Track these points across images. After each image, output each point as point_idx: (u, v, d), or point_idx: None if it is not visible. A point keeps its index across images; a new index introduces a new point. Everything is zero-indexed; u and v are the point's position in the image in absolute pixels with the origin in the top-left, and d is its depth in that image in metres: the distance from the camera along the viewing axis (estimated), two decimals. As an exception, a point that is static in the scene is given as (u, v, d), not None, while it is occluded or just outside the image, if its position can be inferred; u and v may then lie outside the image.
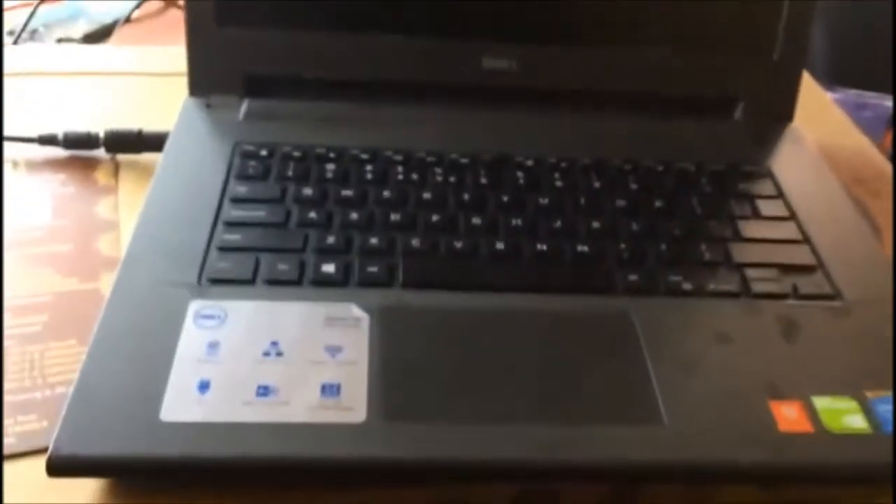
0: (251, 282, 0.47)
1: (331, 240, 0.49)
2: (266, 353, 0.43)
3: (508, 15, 0.61)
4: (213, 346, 0.43)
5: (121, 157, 0.59)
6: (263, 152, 0.56)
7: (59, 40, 0.79)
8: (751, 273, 0.50)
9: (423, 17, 0.60)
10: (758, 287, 0.49)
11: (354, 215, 0.51)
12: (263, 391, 0.41)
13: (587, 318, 0.46)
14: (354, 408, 0.40)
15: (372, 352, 0.43)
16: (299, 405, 0.40)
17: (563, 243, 0.50)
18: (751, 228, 0.53)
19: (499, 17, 0.61)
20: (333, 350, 0.43)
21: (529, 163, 0.57)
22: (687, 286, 0.48)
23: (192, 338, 0.43)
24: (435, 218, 0.51)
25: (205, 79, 0.60)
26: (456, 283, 0.47)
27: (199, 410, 0.40)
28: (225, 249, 0.48)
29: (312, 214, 0.51)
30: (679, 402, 0.42)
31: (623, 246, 0.51)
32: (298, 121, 0.59)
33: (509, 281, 0.48)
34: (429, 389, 0.42)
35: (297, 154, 0.56)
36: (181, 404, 0.40)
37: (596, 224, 0.52)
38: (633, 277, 0.49)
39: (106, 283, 0.48)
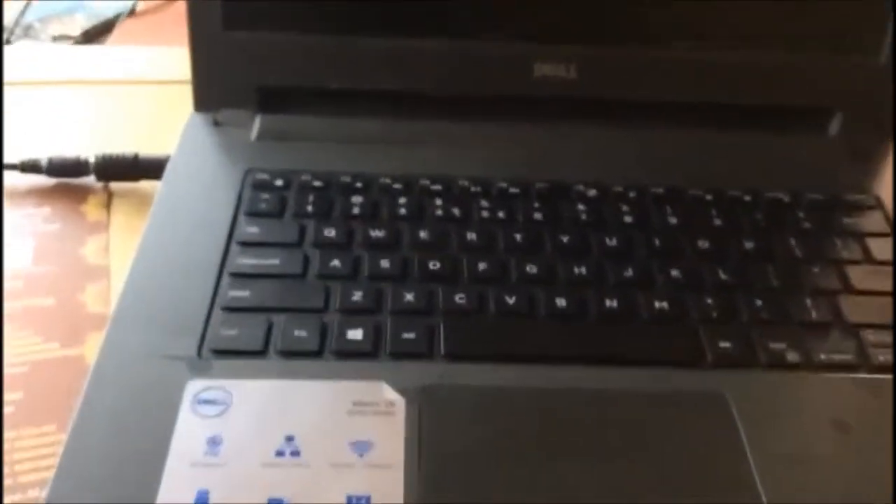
0: (262, 353, 0.38)
1: (357, 296, 0.41)
2: (279, 453, 0.35)
3: (564, 13, 0.51)
4: (215, 442, 0.35)
5: (115, 183, 0.51)
6: (279, 182, 0.47)
7: (56, 38, 0.71)
8: (869, 337, 0.41)
9: (465, 18, 0.51)
10: (880, 356, 0.40)
11: (385, 263, 0.43)
12: (275, 506, 0.33)
13: (671, 399, 0.38)
14: (387, 524, 0.32)
15: (409, 449, 0.35)
16: (320, 528, 0.32)
17: (637, 298, 0.42)
18: (864, 277, 0.44)
19: (552, 15, 0.52)
20: (362, 447, 0.35)
21: (591, 192, 0.48)
22: (792, 356, 0.40)
23: (189, 430, 0.35)
24: (482, 266, 0.43)
25: (212, 91, 0.51)
26: (509, 354, 0.39)
27: (196, 533, 0.32)
28: (231, 310, 0.40)
29: (336, 262, 0.43)
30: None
31: (710, 301, 0.42)
32: (320, 141, 0.50)
33: (573, 350, 0.39)
34: (484, 500, 0.33)
35: (317, 184, 0.47)
36: (173, 527, 0.32)
37: (675, 272, 0.43)
38: (724, 345, 0.40)
39: (92, 348, 0.41)
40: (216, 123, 0.51)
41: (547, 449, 0.35)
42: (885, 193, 0.50)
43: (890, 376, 0.39)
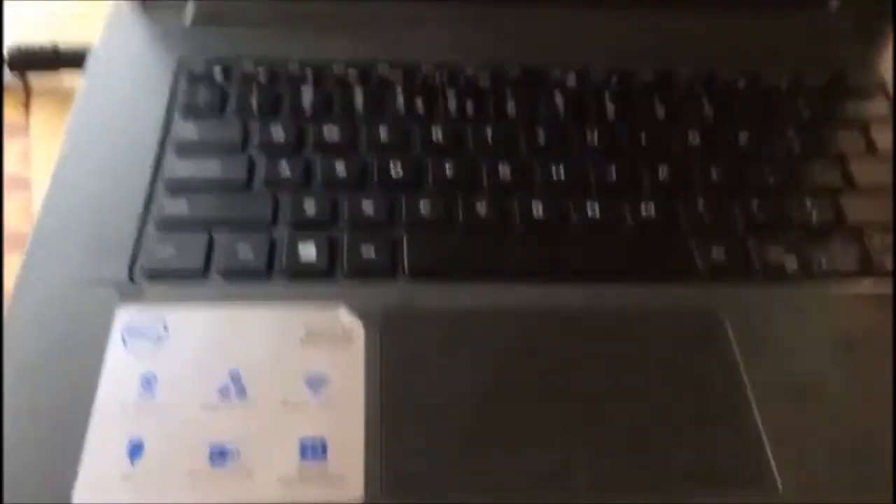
0: (202, 275, 0.34)
1: (310, 207, 0.36)
2: (223, 393, 0.31)
3: None
4: (148, 381, 0.31)
5: (35, 79, 0.45)
6: (217, 73, 0.42)
7: None
8: (874, 239, 0.37)
9: None
10: (885, 262, 0.36)
11: (341, 168, 0.38)
12: (219, 455, 0.29)
13: (659, 319, 0.34)
14: (346, 477, 0.29)
15: (370, 385, 0.31)
16: (269, 477, 0.29)
17: (622, 204, 0.38)
18: (868, 170, 0.40)
19: None
20: (316, 383, 0.31)
21: (570, 80, 0.43)
22: (791, 266, 0.36)
23: (119, 367, 0.31)
24: (449, 170, 0.38)
25: (138, -33, 0.45)
26: (481, 271, 0.35)
27: (128, 489, 0.28)
28: (166, 225, 0.35)
29: (285, 168, 0.38)
30: (794, 456, 0.30)
31: (701, 206, 0.38)
32: (263, 25, 0.44)
33: (553, 265, 0.35)
34: (454, 444, 0.30)
35: (261, 74, 0.42)
36: (102, 481, 0.28)
37: (663, 174, 0.39)
38: (718, 254, 0.36)
39: (10, 273, 0.36)
40: (145, 7, 0.45)
41: (524, 380, 0.32)
42: (889, 74, 0.45)
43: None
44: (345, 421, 0.30)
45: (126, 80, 0.41)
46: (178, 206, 0.36)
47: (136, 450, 0.29)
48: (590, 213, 0.37)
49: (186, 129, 0.39)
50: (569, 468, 0.30)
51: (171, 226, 0.35)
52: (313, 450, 0.29)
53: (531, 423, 0.30)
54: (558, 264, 0.35)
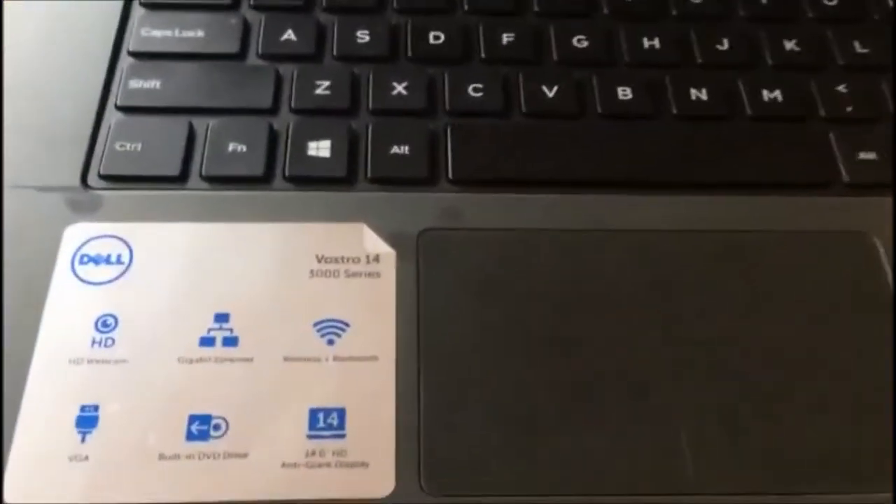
0: (179, 179, 0.26)
1: (323, 88, 0.27)
2: (206, 341, 0.23)
3: None
4: (106, 325, 0.23)
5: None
6: None
7: None
8: None
9: None
10: None
11: (363, 35, 0.29)
12: (200, 428, 0.22)
13: (790, 243, 0.25)
14: (371, 462, 0.21)
15: (403, 330, 0.23)
16: (265, 459, 0.21)
17: (736, 83, 0.28)
18: None
19: None
20: (332, 329, 0.23)
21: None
22: (966, 171, 0.27)
23: (66, 309, 0.23)
24: (507, 38, 0.29)
25: None
26: (550, 178, 0.26)
27: (77, 477, 0.21)
28: (132, 110, 0.27)
29: (289, 35, 0.29)
30: None
31: (843, 88, 0.28)
32: None
33: (644, 169, 0.26)
34: (519, 419, 0.22)
35: None
36: (41, 467, 0.21)
37: (791, 43, 0.29)
38: (867, 156, 0.27)
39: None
40: None
41: (612, 329, 0.23)
42: None
43: None
44: (369, 383, 0.22)
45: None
46: (148, 84, 0.27)
47: (87, 421, 0.21)
48: (693, 97, 0.28)
49: (161, -17, 0.30)
50: (678, 454, 0.22)
51: (138, 111, 0.27)
52: (327, 423, 0.22)
53: (623, 393, 0.22)
54: (650, 169, 0.26)
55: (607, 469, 0.21)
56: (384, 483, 0.21)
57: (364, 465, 0.21)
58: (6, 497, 0.20)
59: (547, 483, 0.21)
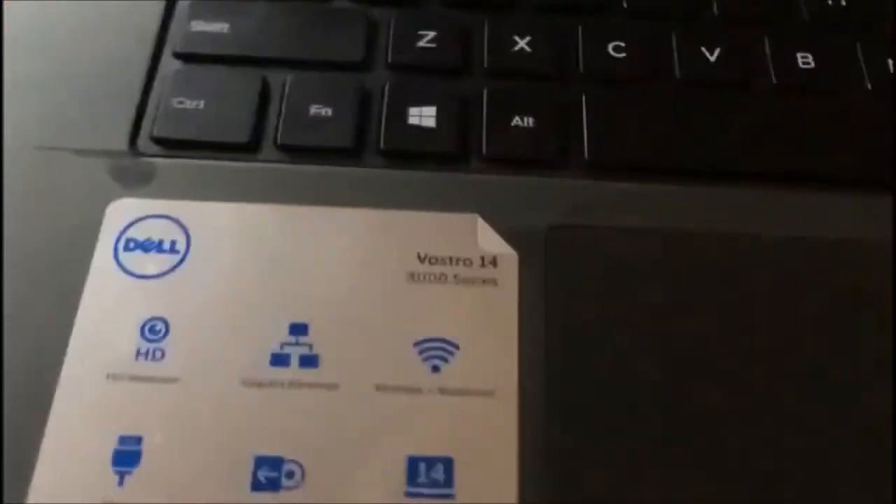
0: (250, 147, 0.21)
1: (428, 39, 0.22)
2: (277, 359, 0.18)
3: None
4: (155, 331, 0.18)
5: None
6: None
7: None
8: None
9: None
10: None
11: (476, -20, 0.23)
12: (270, 473, 0.17)
13: None
14: (489, 534, 0.16)
15: (528, 353, 0.18)
16: (354, 526, 0.16)
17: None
18: None
19: None
20: (436, 351, 0.18)
21: None
22: None
23: (107, 305, 0.18)
24: (654, -11, 0.23)
25: None
26: (712, 163, 0.21)
27: (112, 534, 0.16)
28: (193, 58, 0.22)
29: (385, -24, 0.23)
30: None
31: None
32: None
33: (847, 159, 0.21)
34: (671, 468, 0.17)
35: None
36: (67, 516, 0.16)
37: None
38: None
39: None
40: None
41: (779, 343, 0.18)
42: None
43: None
44: (484, 425, 0.17)
45: None
46: (212, 29, 0.22)
47: (127, 457, 0.17)
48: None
49: None
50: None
51: (201, 62, 0.22)
52: (430, 478, 0.17)
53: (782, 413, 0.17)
54: (850, 162, 0.21)
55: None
56: (504, 564, 0.16)
57: (479, 538, 0.16)
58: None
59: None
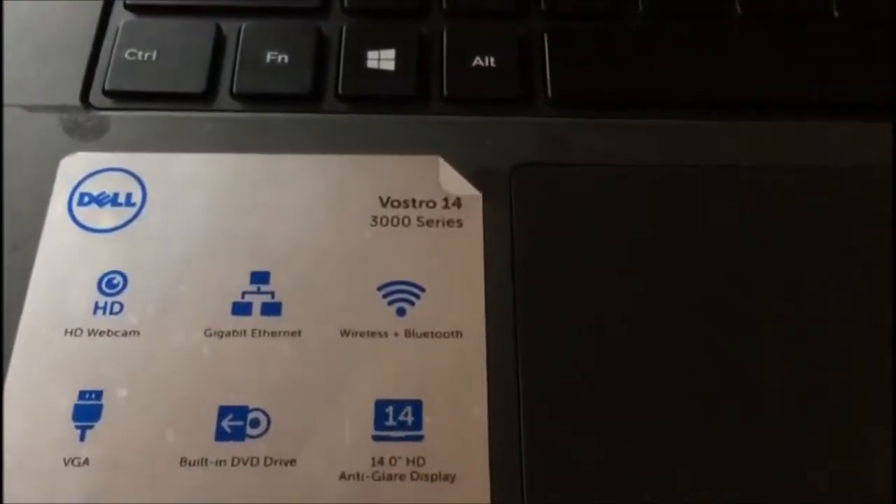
0: (204, 97, 0.20)
1: (384, -19, 0.22)
2: (240, 308, 0.18)
3: None
4: (112, 285, 0.18)
5: None
6: None
7: None
8: None
9: None
10: None
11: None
12: (234, 422, 0.16)
13: None
14: (458, 476, 0.16)
15: (494, 296, 0.18)
16: (320, 466, 0.16)
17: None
18: None
19: None
20: (399, 294, 0.18)
21: None
22: None
23: (62, 263, 0.18)
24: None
25: None
26: (678, 95, 0.20)
27: (77, 487, 0.16)
28: (144, 9, 0.21)
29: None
30: None
31: None
32: None
33: (819, 86, 0.21)
34: (644, 417, 0.17)
35: None
36: (31, 473, 0.16)
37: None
38: None
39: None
40: None
41: (766, 307, 0.18)
42: None
43: None
44: (452, 367, 0.17)
45: None
46: (164, -21, 0.22)
47: (87, 411, 0.16)
48: (861, -2, 0.22)
49: None
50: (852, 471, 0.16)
51: (152, 13, 0.21)
52: (399, 420, 0.16)
53: (781, 394, 0.17)
54: (822, 88, 0.20)
55: (763, 484, 0.16)
56: (476, 498, 0.16)
57: (449, 478, 0.16)
58: (-15, 509, 0.16)
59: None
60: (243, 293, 0.18)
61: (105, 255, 0.18)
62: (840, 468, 0.16)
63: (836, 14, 0.21)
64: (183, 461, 0.16)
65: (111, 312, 0.17)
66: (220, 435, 0.16)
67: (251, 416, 0.16)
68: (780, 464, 0.16)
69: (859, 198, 0.19)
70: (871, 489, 0.16)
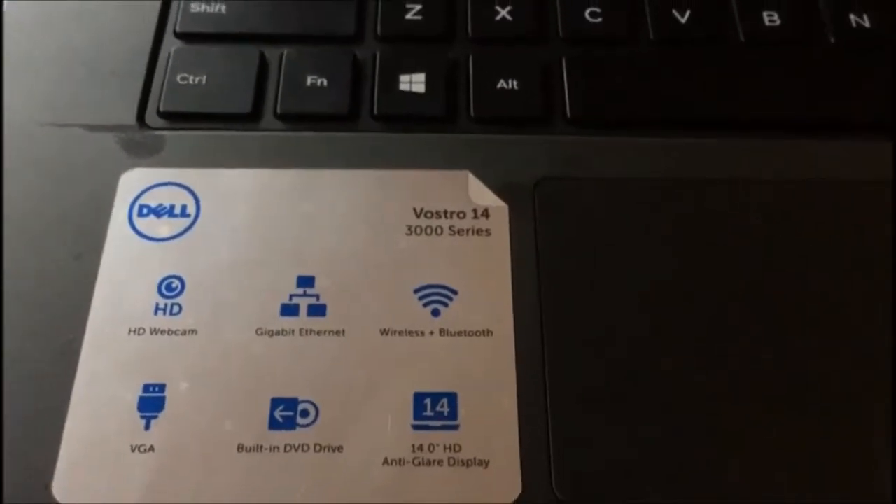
0: (251, 117, 0.22)
1: (413, 7, 0.23)
2: (288, 310, 0.19)
3: None
4: (171, 288, 0.19)
5: None
6: None
7: None
8: None
9: None
10: None
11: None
12: (286, 413, 0.18)
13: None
14: (491, 462, 0.18)
15: (520, 303, 0.19)
16: (365, 452, 0.18)
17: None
18: None
19: None
20: (435, 296, 0.19)
21: None
22: None
23: (125, 268, 0.20)
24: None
25: None
26: (688, 115, 0.22)
27: (143, 472, 0.17)
28: (196, 38, 0.23)
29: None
30: None
31: None
32: None
33: (813, 106, 0.22)
34: (665, 411, 0.18)
35: None
36: (102, 459, 0.18)
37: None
38: None
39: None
40: None
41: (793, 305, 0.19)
42: None
43: None
44: (484, 362, 0.19)
45: None
46: (211, 9, 0.23)
47: (152, 403, 0.18)
48: (854, 23, 0.23)
49: None
50: (867, 460, 0.18)
51: (201, 41, 0.23)
52: (436, 411, 0.18)
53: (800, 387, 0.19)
54: (816, 108, 0.22)
55: (779, 477, 0.18)
56: (509, 487, 0.17)
57: (483, 463, 0.18)
58: (56, 496, 0.17)
59: (712, 489, 0.17)
60: (290, 296, 0.19)
61: (163, 261, 0.20)
62: (846, 470, 0.18)
63: (832, 40, 0.23)
64: (240, 447, 0.18)
65: (171, 313, 0.19)
66: (273, 424, 0.18)
67: (301, 407, 0.18)
68: (796, 459, 0.18)
69: (867, 212, 0.21)
70: (871, 489, 0.18)
